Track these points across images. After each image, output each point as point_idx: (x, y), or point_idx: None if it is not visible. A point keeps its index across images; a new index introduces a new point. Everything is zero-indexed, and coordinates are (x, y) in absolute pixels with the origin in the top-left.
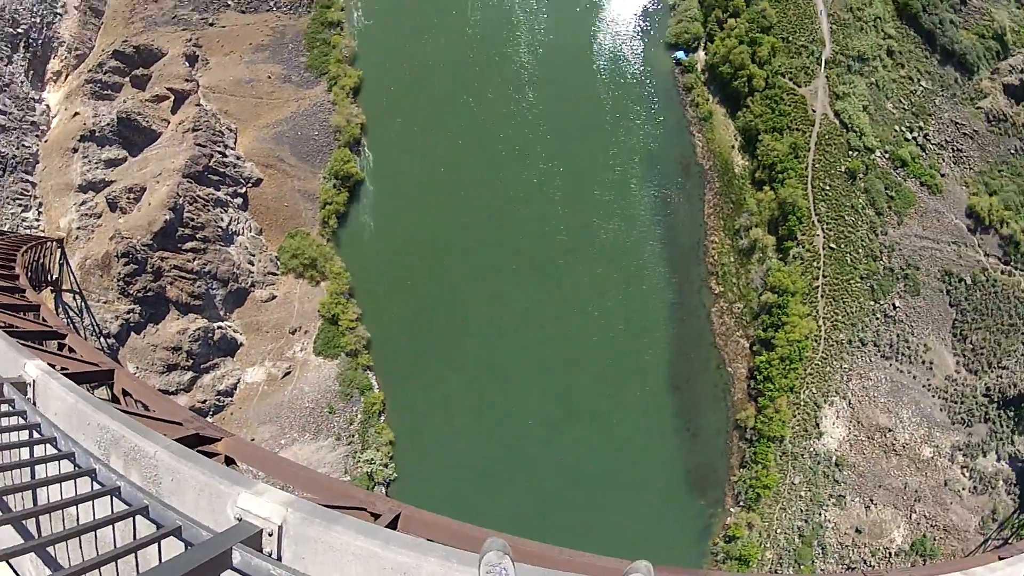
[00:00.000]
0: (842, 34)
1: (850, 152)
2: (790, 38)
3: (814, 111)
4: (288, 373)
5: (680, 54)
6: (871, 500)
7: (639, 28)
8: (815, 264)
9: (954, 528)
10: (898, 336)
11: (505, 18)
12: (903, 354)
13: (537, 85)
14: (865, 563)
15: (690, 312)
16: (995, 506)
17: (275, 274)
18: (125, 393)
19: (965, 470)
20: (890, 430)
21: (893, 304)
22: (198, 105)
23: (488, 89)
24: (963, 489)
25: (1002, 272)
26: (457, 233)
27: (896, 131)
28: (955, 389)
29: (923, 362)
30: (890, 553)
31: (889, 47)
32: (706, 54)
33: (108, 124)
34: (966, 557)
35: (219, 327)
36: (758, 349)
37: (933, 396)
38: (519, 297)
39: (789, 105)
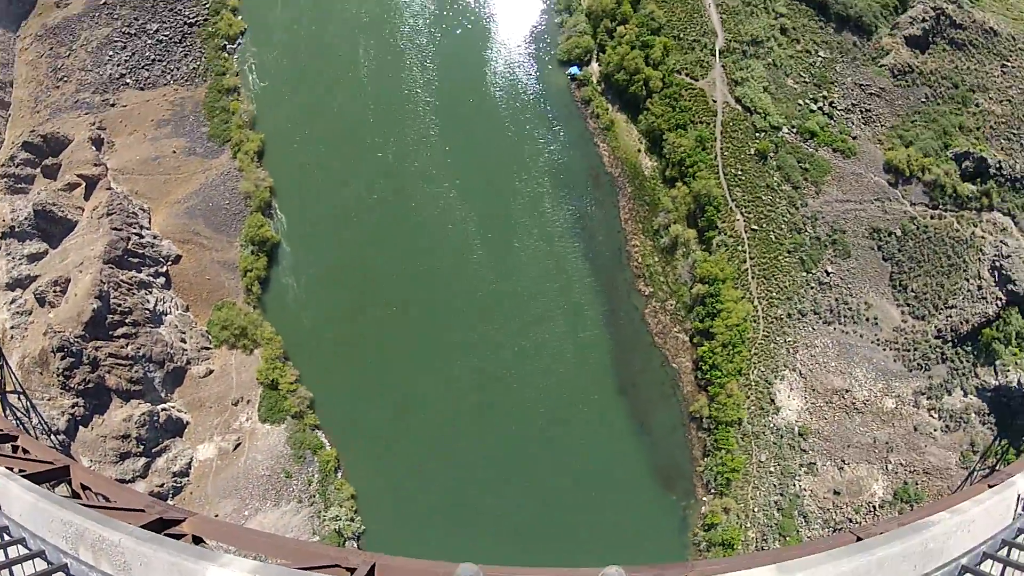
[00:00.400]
0: (733, 21)
1: (757, 134)
2: (681, 35)
3: (715, 101)
4: (238, 445)
5: (574, 69)
6: (843, 461)
7: (530, 51)
8: (740, 248)
9: (935, 469)
10: (836, 300)
11: (398, 61)
12: (845, 316)
13: (439, 122)
14: (851, 522)
15: (624, 317)
16: (972, 439)
17: (208, 348)
18: (84, 487)
19: (933, 412)
20: (847, 390)
21: (826, 271)
22: (109, 189)
23: (391, 132)
24: (935, 430)
25: (932, 217)
26: (380, 277)
27: (800, 105)
28: (905, 338)
29: (867, 319)
30: (874, 507)
31: (782, 25)
32: (600, 65)
33: (26, 218)
34: (953, 494)
35: (163, 409)
36: (699, 340)
37: (884, 349)
38: (453, 332)
39: (689, 100)
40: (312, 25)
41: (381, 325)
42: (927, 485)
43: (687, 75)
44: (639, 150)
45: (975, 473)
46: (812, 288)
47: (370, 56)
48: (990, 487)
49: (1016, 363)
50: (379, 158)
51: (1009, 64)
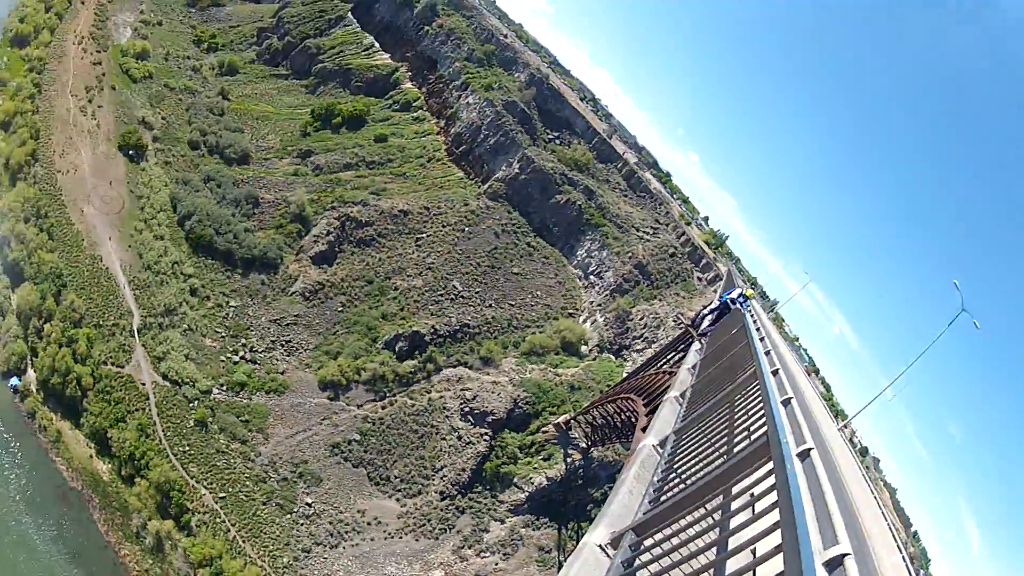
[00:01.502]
0: (146, 296)
1: (191, 404)
2: (102, 322)
3: (144, 384)
4: None
5: (14, 380)
6: None
7: None
8: (219, 519)
9: None
10: (331, 523)
11: None
12: (347, 532)
13: None
14: None
15: None
16: (539, 544)
17: None
18: None
19: (483, 553)
20: None
21: (307, 503)
22: None
23: None
24: (496, 564)
25: (383, 408)
26: None
27: (223, 361)
28: (414, 518)
29: (369, 523)
30: None
31: (192, 286)
32: (35, 371)
33: None
34: None
35: None
36: None
37: (402, 537)
38: None
39: (121, 390)
40: None
41: None
42: None
43: (113, 364)
44: (91, 456)
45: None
46: (302, 524)
47: None
48: None
49: (533, 468)
50: None
51: (425, 234)
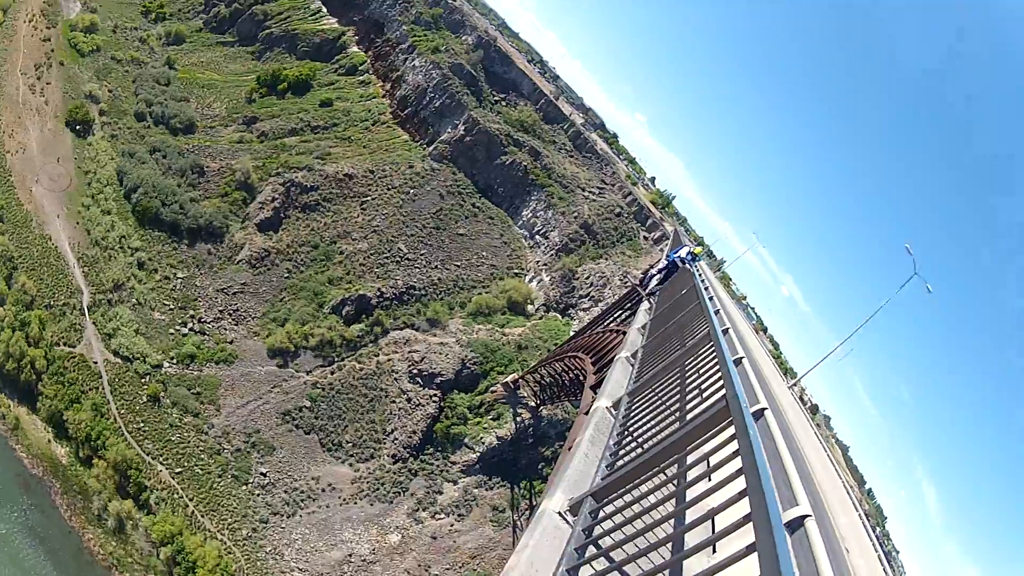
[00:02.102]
0: (94, 272)
1: (143, 379)
2: (52, 303)
3: (96, 363)
4: None
5: None
6: None
7: None
8: (177, 495)
9: (484, 548)
10: (287, 492)
11: None
12: (303, 500)
13: None
14: None
15: None
16: (492, 504)
17: None
18: None
19: (439, 515)
20: (349, 555)
21: (261, 473)
22: None
23: None
24: (452, 525)
25: (333, 373)
26: None
27: (172, 333)
28: (368, 483)
29: (323, 489)
30: None
31: (139, 260)
32: None
33: None
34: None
35: None
36: None
37: (357, 502)
38: None
39: (74, 371)
40: None
41: None
42: (487, 563)
43: (65, 344)
44: (49, 440)
45: (519, 522)
46: (259, 495)
47: None
48: None
49: (483, 428)
50: None
51: (369, 197)
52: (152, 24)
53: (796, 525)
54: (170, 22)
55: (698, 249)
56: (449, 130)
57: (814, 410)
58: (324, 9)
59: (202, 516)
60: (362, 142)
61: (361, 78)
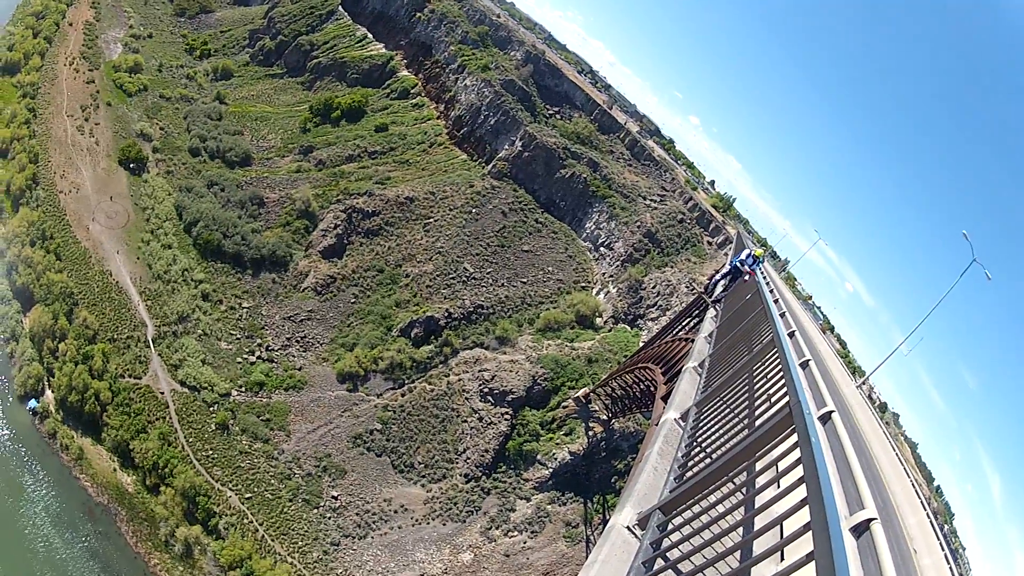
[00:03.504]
0: (158, 305)
1: (210, 408)
2: (115, 336)
3: (162, 393)
4: None
5: (32, 402)
6: None
7: None
8: (246, 520)
9: (555, 564)
10: (358, 514)
11: None
12: (374, 522)
13: None
14: None
15: None
16: (565, 520)
17: None
18: None
19: (512, 532)
20: (422, 574)
21: (332, 497)
22: None
23: None
24: (525, 542)
25: (403, 395)
26: None
27: (240, 362)
28: (440, 503)
29: (395, 511)
30: None
31: (204, 291)
32: (53, 391)
33: None
34: None
35: None
36: None
37: (429, 523)
38: None
39: (140, 401)
40: None
41: None
42: None
43: (130, 376)
44: (114, 469)
45: (592, 537)
46: (330, 518)
47: None
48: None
49: (555, 444)
50: None
51: (432, 219)
52: (198, 61)
53: (862, 529)
54: (216, 58)
55: (759, 251)
56: (506, 147)
57: (883, 408)
58: (370, 35)
59: (272, 540)
60: (420, 164)
61: (414, 101)
